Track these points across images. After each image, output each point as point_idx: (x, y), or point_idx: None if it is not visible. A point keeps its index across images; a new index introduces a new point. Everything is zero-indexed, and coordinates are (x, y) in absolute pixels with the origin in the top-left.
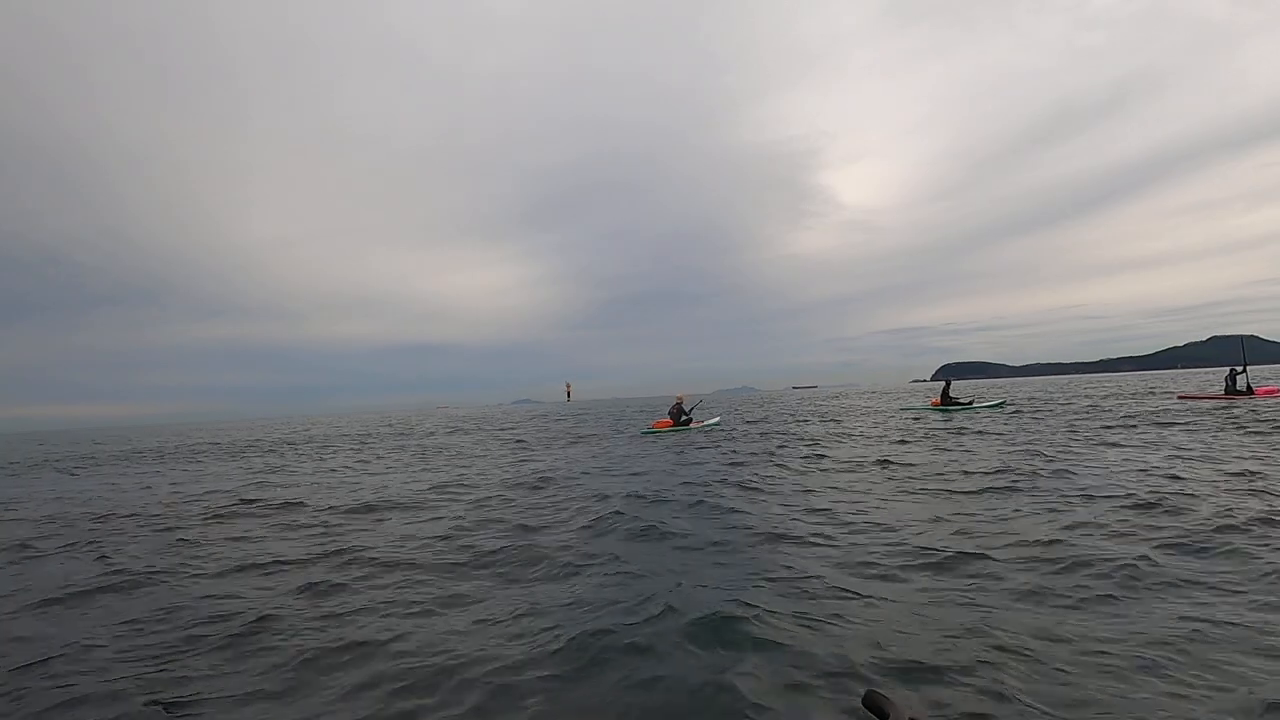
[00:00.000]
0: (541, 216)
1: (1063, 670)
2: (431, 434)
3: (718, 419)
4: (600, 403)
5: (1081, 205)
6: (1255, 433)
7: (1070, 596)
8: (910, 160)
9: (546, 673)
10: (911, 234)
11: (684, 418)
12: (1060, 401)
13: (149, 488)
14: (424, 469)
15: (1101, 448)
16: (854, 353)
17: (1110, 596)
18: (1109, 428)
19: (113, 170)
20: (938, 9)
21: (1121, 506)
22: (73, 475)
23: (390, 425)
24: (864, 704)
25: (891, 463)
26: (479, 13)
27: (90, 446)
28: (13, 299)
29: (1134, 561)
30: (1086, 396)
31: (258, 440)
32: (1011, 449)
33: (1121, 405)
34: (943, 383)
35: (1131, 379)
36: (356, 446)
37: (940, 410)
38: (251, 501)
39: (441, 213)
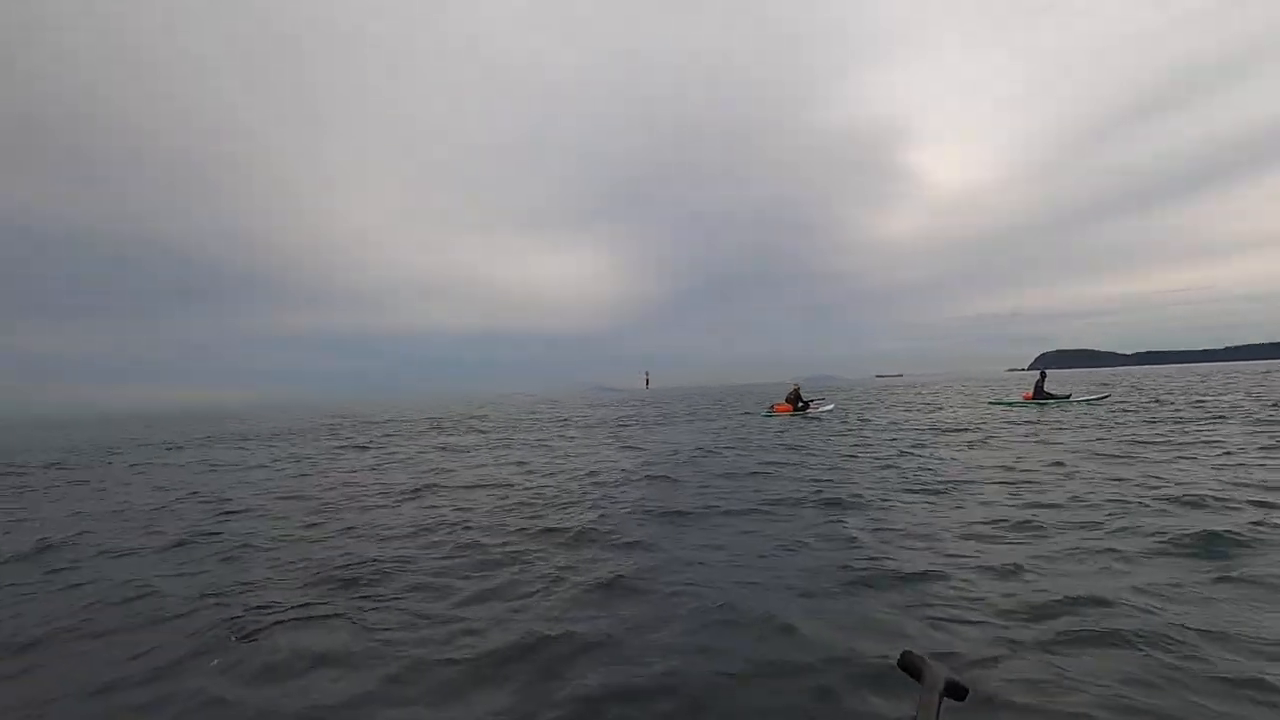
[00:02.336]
0: (618, 204)
1: None
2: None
3: (831, 405)
4: (680, 390)
5: (1197, 179)
6: None
7: None
8: (1004, 137)
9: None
10: (1005, 214)
11: (801, 404)
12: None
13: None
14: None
15: None
16: (942, 340)
17: None
18: None
19: (218, 173)
20: None
21: None
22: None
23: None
24: (899, 664)
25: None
26: (554, 10)
27: (195, 428)
28: (129, 293)
29: None
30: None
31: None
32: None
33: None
34: (1037, 374)
35: (1260, 368)
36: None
37: (1034, 405)
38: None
39: (522, 203)
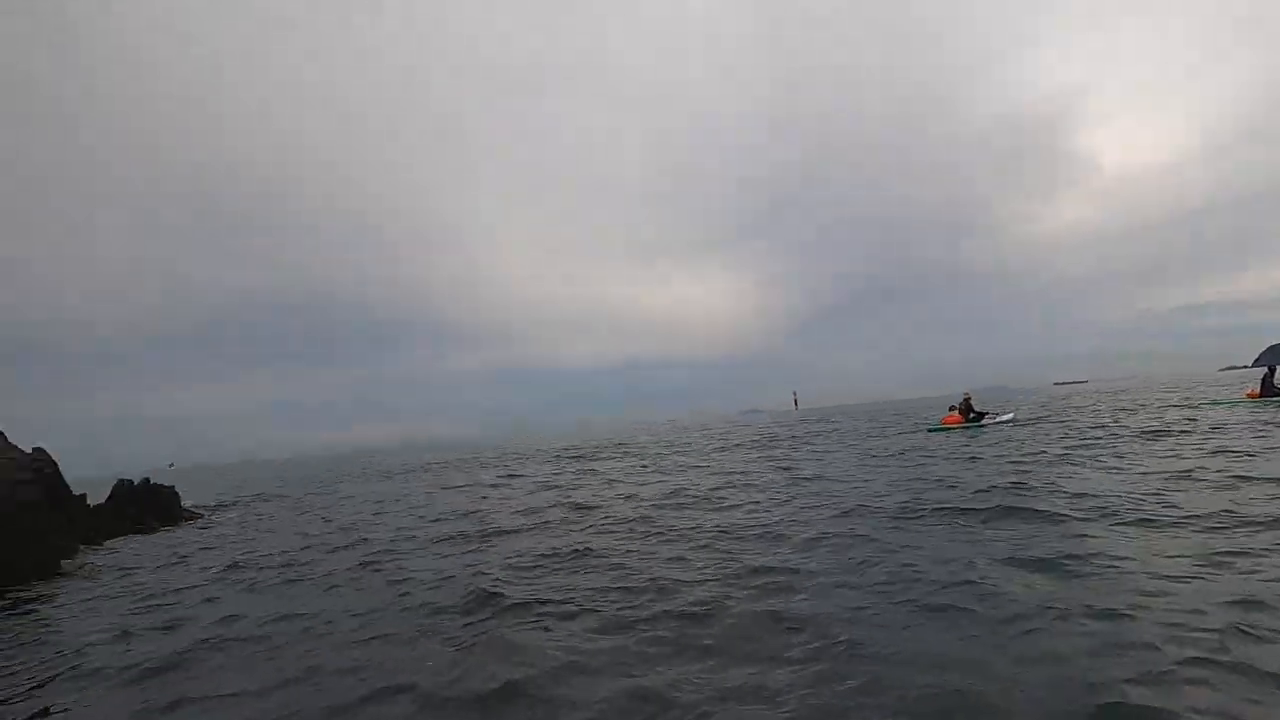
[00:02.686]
0: (762, 222)
1: None
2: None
3: (1011, 415)
4: (831, 410)
5: None
6: None
7: None
8: (1196, 102)
9: None
10: (1204, 190)
11: (973, 414)
12: None
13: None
14: None
15: None
16: (1133, 339)
17: None
18: None
19: (389, 231)
20: None
21: None
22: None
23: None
24: None
25: None
26: (682, 28)
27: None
28: (319, 343)
29: None
30: None
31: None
32: None
33: None
34: (1264, 370)
35: None
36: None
37: (1261, 404)
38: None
39: (664, 232)
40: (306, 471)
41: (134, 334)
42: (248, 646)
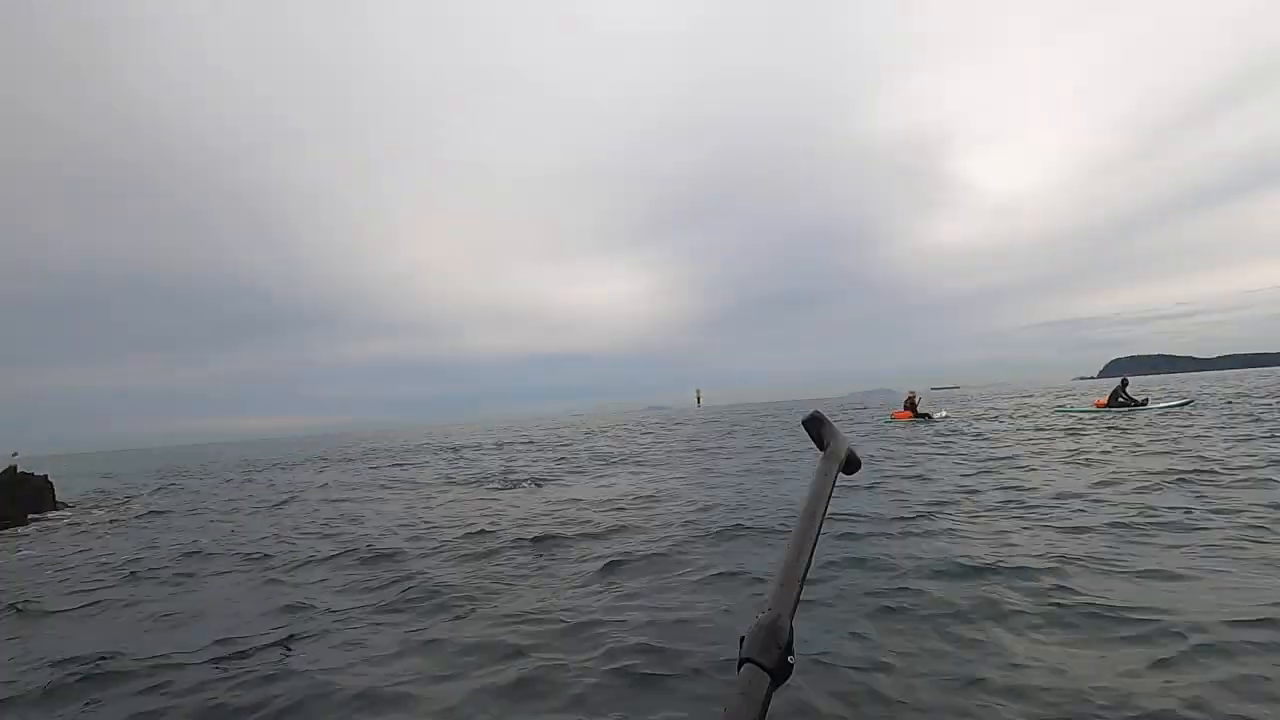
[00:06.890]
0: (668, 223)
1: None
2: None
3: (945, 413)
4: (732, 407)
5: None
6: None
7: None
8: (1067, 134)
9: None
10: (1068, 216)
11: (920, 412)
12: None
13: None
14: None
15: None
16: (1003, 349)
17: None
18: None
19: (290, 212)
20: None
21: None
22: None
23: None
24: (804, 423)
25: None
26: (600, 33)
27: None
28: (200, 328)
29: None
30: None
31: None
32: None
33: None
34: (1118, 380)
35: None
36: None
37: (1106, 412)
38: None
39: (571, 227)
40: (197, 460)
41: None
42: None
